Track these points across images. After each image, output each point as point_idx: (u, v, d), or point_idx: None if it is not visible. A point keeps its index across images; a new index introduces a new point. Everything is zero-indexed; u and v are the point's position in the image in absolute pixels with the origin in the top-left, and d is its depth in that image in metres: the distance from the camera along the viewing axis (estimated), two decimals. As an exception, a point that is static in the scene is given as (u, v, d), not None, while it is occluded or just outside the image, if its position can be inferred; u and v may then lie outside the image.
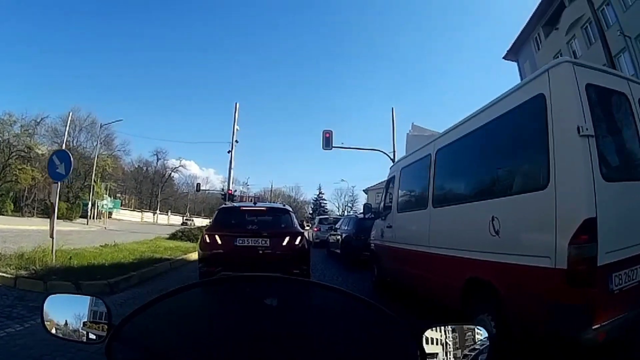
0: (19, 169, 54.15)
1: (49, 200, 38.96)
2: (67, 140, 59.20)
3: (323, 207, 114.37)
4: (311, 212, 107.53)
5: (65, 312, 1.77)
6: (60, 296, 1.85)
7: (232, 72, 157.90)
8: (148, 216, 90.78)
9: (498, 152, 6.60)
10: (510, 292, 5.47)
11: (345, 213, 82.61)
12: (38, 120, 59.58)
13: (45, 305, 1.78)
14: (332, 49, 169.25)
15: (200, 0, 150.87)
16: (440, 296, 7.70)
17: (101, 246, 17.70)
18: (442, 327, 1.61)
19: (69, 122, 55.13)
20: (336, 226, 25.15)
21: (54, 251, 12.19)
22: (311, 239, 30.78)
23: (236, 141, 40.50)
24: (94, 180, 56.41)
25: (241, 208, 12.58)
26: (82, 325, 1.74)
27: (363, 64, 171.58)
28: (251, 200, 13.71)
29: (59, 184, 12.65)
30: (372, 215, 14.65)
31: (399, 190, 11.29)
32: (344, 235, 20.79)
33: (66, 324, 1.75)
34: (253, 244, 10.59)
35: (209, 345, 1.80)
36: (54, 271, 10.88)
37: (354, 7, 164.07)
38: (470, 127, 7.22)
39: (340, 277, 15.63)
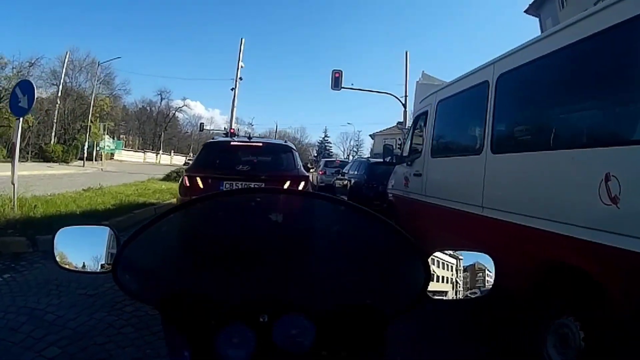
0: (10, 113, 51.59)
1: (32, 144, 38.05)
2: (65, 82, 58.48)
3: (328, 150, 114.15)
4: (316, 154, 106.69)
5: (76, 245, 1.69)
6: (71, 229, 1.73)
7: (237, 8, 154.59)
8: (150, 157, 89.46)
9: (621, 73, 4.24)
10: (628, 293, 3.60)
11: (351, 157, 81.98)
12: (32, 62, 56.47)
13: (55, 239, 1.65)
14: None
15: None
16: (498, 280, 5.53)
17: (84, 190, 16.31)
18: (451, 252, 1.66)
19: (66, 61, 54.44)
20: (344, 170, 23.48)
21: (15, 200, 10.40)
22: (315, 183, 29.76)
23: (240, 78, 40.60)
24: (91, 121, 54.37)
25: (231, 143, 10.12)
26: (92, 256, 1.66)
27: (376, 4, 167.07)
28: (232, 133, 11.95)
29: (21, 120, 10.79)
30: (394, 160, 11.27)
31: (435, 129, 8.66)
32: (352, 181, 19.09)
33: (77, 256, 1.67)
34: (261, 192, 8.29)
35: (211, 260, 1.74)
36: (11, 224, 9.28)
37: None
38: (566, 39, 4.87)
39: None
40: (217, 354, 1.49)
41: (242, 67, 40.41)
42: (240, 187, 8.25)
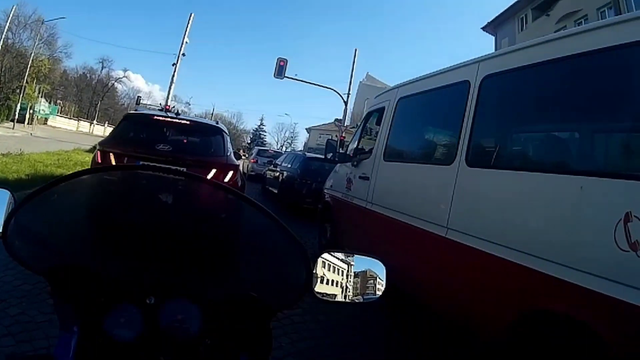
0: None
1: None
2: (7, 37, 55.49)
3: (262, 138, 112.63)
4: (249, 142, 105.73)
5: None
6: None
7: None
8: (85, 126, 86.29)
9: None
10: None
11: (284, 149, 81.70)
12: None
13: None
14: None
15: None
16: (459, 313, 4.99)
17: (2, 154, 15.41)
18: (343, 255, 1.67)
19: (10, 15, 51.49)
20: (277, 161, 22.51)
21: None
22: (246, 171, 29.62)
23: (183, 54, 39.81)
24: (27, 81, 52.37)
25: (154, 117, 8.92)
26: None
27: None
28: (167, 109, 10.27)
29: None
30: (336, 157, 10.05)
31: (393, 129, 7.50)
32: (285, 174, 18.28)
33: None
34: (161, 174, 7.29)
35: (104, 236, 1.76)
36: None
37: None
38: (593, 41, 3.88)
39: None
40: (105, 332, 1.48)
41: (186, 42, 39.55)
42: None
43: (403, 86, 7.68)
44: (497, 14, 43.65)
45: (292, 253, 1.61)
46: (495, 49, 41.03)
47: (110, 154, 7.83)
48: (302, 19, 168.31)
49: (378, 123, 8.24)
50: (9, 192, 1.68)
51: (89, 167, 9.57)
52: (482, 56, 5.49)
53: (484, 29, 46.19)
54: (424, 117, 7.36)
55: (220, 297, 1.60)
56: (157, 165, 1.82)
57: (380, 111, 8.25)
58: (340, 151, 10.46)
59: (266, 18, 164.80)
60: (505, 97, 5.24)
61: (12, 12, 51.34)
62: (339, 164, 9.90)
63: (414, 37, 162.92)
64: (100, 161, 7.86)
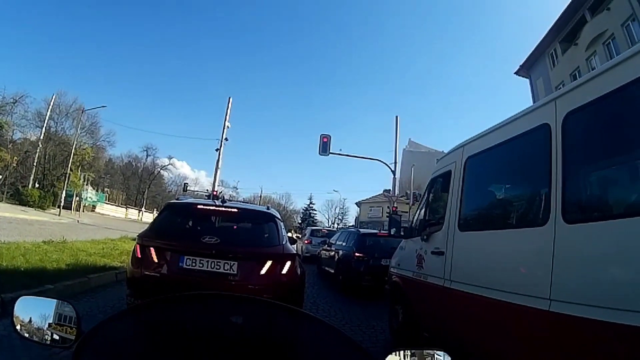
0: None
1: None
2: (49, 126, 57.87)
3: (312, 217, 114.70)
4: (300, 222, 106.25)
5: (34, 314, 1.78)
6: (31, 298, 1.89)
7: (225, 72, 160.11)
8: (133, 213, 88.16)
9: None
10: None
11: (336, 225, 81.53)
12: (16, 99, 55.28)
13: (15, 306, 1.79)
14: (330, 53, 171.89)
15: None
16: None
17: (43, 242, 14.92)
18: (403, 352, 1.63)
19: (51, 104, 54.21)
20: (330, 240, 21.69)
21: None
22: (301, 252, 28.72)
23: (226, 139, 39.74)
24: (71, 169, 53.10)
25: (198, 207, 7.97)
26: (48, 328, 1.75)
27: (363, 70, 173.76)
28: (219, 199, 9.13)
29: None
30: (401, 232, 9.14)
31: (464, 194, 6.51)
32: (340, 252, 17.42)
33: (33, 325, 1.76)
34: (209, 269, 6.54)
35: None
36: None
37: (357, 7, 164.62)
38: None
39: (340, 310, 11.49)
40: None
41: (228, 127, 39.72)
42: (203, 264, 6.62)
43: (469, 143, 6.67)
44: (526, 56, 44.22)
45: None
46: (532, 91, 42.18)
47: (151, 248, 6.83)
48: (339, 89, 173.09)
49: (445, 189, 7.22)
50: (72, 306, 1.76)
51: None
52: (557, 92, 4.72)
53: (517, 73, 46.33)
54: (500, 175, 6.31)
55: None
56: (227, 293, 2.00)
57: (446, 176, 7.28)
58: (405, 225, 9.34)
59: (305, 94, 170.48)
60: (594, 131, 4.32)
61: (52, 101, 53.84)
62: (404, 240, 8.85)
63: (448, 95, 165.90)
64: (139, 256, 6.86)
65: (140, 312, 1.62)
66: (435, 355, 1.64)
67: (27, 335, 1.72)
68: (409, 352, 1.62)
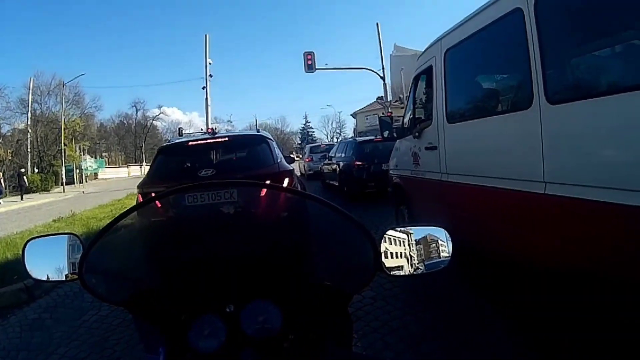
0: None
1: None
2: (34, 108, 57.52)
3: (311, 135, 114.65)
4: (299, 142, 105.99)
5: (45, 254, 1.75)
6: (38, 240, 1.81)
7: (198, 5, 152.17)
8: (135, 169, 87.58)
9: None
10: None
11: (335, 140, 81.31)
12: (-5, 93, 55.43)
13: (25, 250, 1.73)
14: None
15: None
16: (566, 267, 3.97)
17: (53, 221, 15.21)
18: (402, 228, 1.65)
19: (31, 87, 53.65)
20: (330, 154, 22.12)
21: None
22: (304, 171, 30.11)
23: (210, 75, 39.89)
24: (64, 144, 52.64)
25: (189, 144, 8.18)
26: (61, 264, 1.71)
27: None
28: (210, 132, 9.29)
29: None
30: (394, 134, 9.13)
31: (448, 87, 6.45)
32: (341, 164, 17.78)
33: (47, 265, 1.72)
34: (211, 201, 6.14)
35: (173, 255, 1.84)
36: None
37: None
38: None
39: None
40: (190, 347, 1.51)
41: (210, 63, 39.53)
42: (205, 198, 6.21)
43: (447, 35, 6.54)
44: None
45: (357, 236, 1.55)
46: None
47: (152, 194, 6.72)
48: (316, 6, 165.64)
49: (429, 85, 7.21)
50: (76, 237, 1.71)
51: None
52: None
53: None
54: (480, 64, 6.16)
55: (297, 292, 1.63)
56: (214, 182, 2.03)
57: (427, 71, 7.24)
58: (396, 125, 9.40)
59: (282, 15, 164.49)
60: (568, 11, 4.21)
61: (31, 83, 53.13)
62: (398, 141, 8.93)
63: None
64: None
65: (132, 215, 1.58)
66: (434, 231, 1.67)
67: (40, 276, 1.71)
68: (408, 228, 1.64)
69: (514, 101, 5.03)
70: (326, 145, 36.75)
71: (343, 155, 18.17)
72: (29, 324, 6.24)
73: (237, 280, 1.64)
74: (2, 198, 35.49)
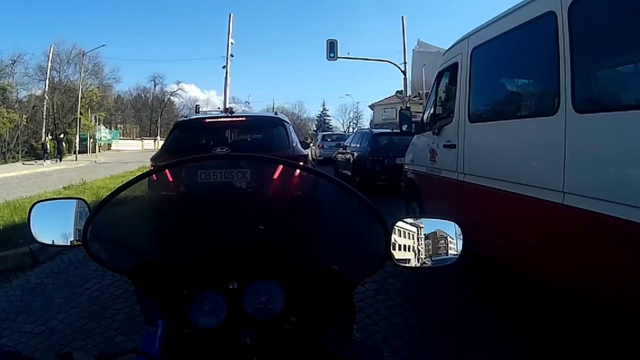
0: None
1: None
2: (52, 76, 57.17)
3: (327, 123, 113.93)
4: (315, 129, 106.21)
5: (51, 218, 1.75)
6: (46, 202, 1.84)
7: None
8: (149, 143, 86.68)
9: None
10: None
11: (350, 130, 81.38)
12: (14, 59, 54.65)
13: (31, 212, 1.74)
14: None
15: None
16: (581, 288, 3.88)
17: (64, 188, 15.47)
18: (413, 220, 1.63)
19: (50, 55, 52.96)
20: (345, 143, 21.98)
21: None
22: (314, 156, 30.37)
23: (231, 55, 39.79)
24: (80, 113, 52.96)
25: (206, 121, 8.33)
26: (67, 229, 1.70)
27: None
28: (227, 111, 9.20)
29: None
30: (413, 128, 8.95)
31: (472, 85, 6.27)
32: (356, 154, 17.73)
33: (52, 229, 1.73)
34: (224, 179, 6.01)
35: (179, 227, 1.84)
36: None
37: None
38: None
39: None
40: (190, 322, 1.53)
41: (232, 43, 39.50)
42: (218, 175, 6.21)
43: (475, 33, 6.38)
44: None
45: (370, 222, 1.55)
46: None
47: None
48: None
49: (453, 82, 7.04)
50: (85, 202, 1.71)
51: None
52: None
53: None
54: (508, 65, 5.99)
55: (302, 274, 1.62)
56: (228, 154, 2.07)
57: (452, 68, 7.06)
58: (415, 120, 9.29)
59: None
60: (603, 18, 4.05)
61: (51, 51, 53.00)
62: (416, 136, 8.73)
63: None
64: (155, 177, 6.80)
65: (139, 183, 1.62)
66: (444, 225, 1.64)
67: (45, 240, 1.70)
68: (419, 221, 1.61)
69: (539, 106, 4.91)
70: (337, 134, 38.44)
71: (358, 145, 18.11)
72: (30, 288, 6.29)
73: (243, 259, 1.65)
74: (48, 160, 38.62)
